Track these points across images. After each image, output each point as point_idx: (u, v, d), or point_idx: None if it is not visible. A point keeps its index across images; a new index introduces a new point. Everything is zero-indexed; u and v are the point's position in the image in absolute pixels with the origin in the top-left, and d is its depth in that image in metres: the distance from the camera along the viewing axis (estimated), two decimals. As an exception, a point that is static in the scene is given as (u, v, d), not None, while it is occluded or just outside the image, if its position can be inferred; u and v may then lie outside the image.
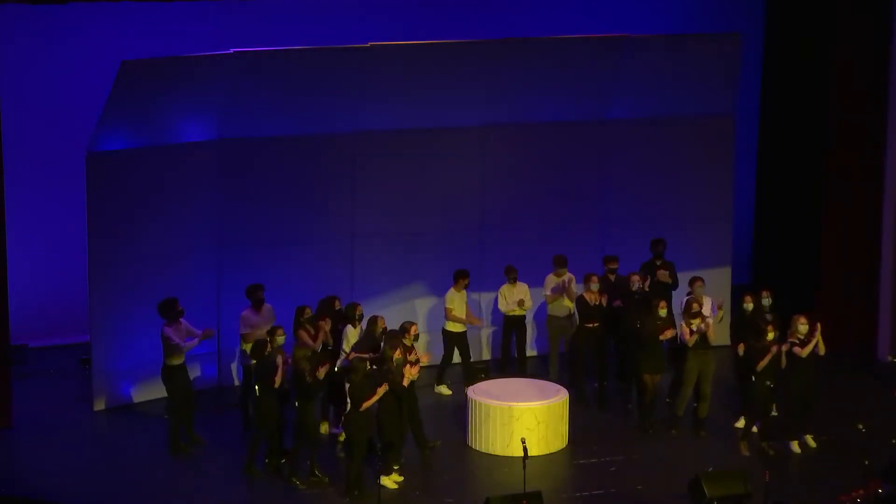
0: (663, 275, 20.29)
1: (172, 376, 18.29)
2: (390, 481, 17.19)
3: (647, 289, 19.71)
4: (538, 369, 20.81)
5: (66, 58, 20.71)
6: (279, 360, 17.24)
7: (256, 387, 17.45)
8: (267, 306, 19.06)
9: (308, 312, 18.54)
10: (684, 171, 21.71)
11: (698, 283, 19.51)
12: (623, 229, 21.47)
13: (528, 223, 21.30)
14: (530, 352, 21.24)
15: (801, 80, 22.00)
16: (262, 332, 18.30)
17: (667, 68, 20.98)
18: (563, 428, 18.49)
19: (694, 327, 18.48)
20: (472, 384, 19.05)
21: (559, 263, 20.38)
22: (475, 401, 18.38)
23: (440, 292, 20.58)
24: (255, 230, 20.14)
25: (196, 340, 18.40)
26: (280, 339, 17.54)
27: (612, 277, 20.28)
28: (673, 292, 20.20)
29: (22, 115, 19.96)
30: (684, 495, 16.85)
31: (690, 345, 18.51)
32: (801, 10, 21.96)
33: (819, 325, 17.95)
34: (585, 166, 21.48)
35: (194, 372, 19.88)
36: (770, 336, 17.84)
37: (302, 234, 20.36)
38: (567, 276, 20.33)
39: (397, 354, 17.28)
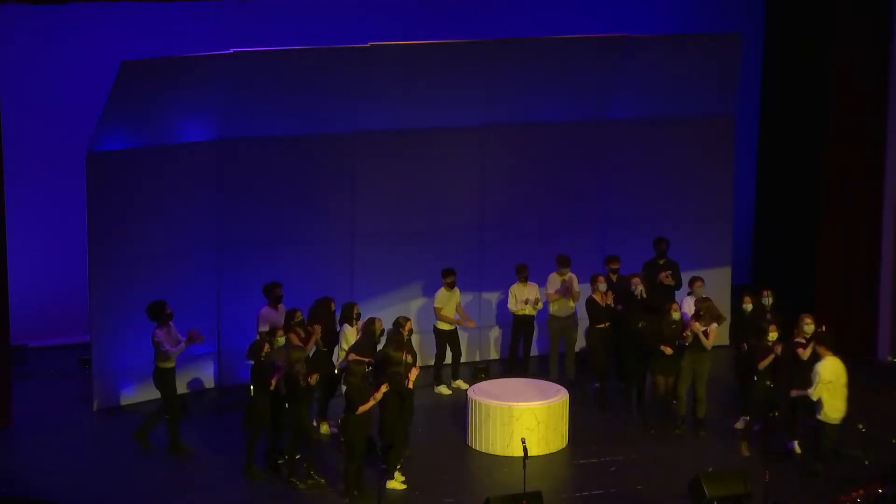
0: (665, 277, 20.27)
1: (164, 378, 18.24)
2: (397, 483, 17.19)
3: (643, 296, 19.47)
4: (538, 369, 20.81)
5: (66, 58, 20.71)
6: (278, 361, 17.23)
7: (251, 387, 17.43)
8: (281, 305, 19.08)
9: (299, 316, 18.45)
10: (684, 170, 21.70)
11: (698, 284, 19.49)
12: (623, 229, 21.46)
13: (528, 223, 21.29)
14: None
15: (801, 80, 22.01)
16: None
17: (667, 68, 20.98)
18: (563, 428, 18.48)
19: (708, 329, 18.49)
20: (459, 381, 18.96)
21: (563, 263, 20.36)
22: (475, 401, 18.37)
23: (441, 293, 20.60)
24: (255, 230, 20.12)
25: (183, 345, 18.34)
26: (280, 341, 17.53)
27: (614, 277, 20.25)
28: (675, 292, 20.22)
29: (22, 115, 19.96)
30: (684, 495, 16.85)
31: (687, 343, 18.53)
32: (801, 10, 21.97)
33: (824, 325, 17.92)
34: (585, 166, 21.48)
35: (194, 372, 19.89)
36: (773, 336, 17.83)
37: (302, 235, 20.35)
38: (569, 275, 20.33)
39: (405, 357, 17.29)
